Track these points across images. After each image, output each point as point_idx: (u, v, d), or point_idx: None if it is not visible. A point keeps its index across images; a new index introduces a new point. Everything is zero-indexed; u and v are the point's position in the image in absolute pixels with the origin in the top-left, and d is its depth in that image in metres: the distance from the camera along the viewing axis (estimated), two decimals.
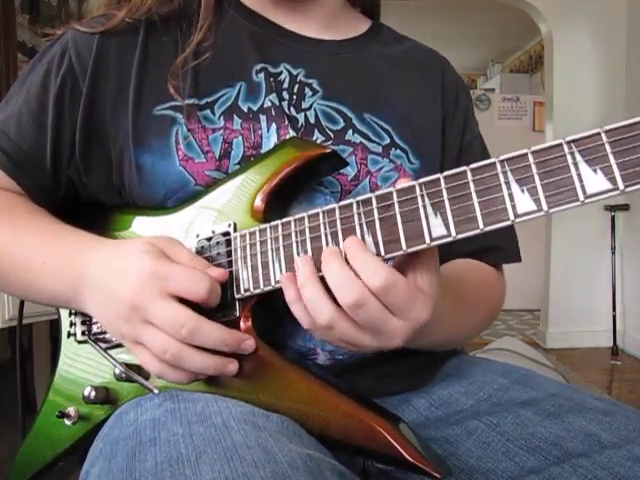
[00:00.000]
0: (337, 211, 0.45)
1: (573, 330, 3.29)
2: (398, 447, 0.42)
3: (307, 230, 0.46)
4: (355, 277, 0.41)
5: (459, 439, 0.54)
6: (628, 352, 3.15)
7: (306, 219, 0.47)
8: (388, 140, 0.61)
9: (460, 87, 0.72)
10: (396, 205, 0.43)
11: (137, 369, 0.53)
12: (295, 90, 0.60)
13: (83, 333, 0.58)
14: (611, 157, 0.37)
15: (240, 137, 0.56)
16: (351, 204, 0.45)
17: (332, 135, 0.59)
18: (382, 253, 0.43)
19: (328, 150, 0.52)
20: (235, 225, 0.51)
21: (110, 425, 0.49)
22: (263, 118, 0.57)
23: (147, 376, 0.52)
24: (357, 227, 0.44)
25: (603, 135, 0.37)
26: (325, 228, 0.45)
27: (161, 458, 0.38)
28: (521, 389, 0.57)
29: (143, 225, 0.58)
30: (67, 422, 0.57)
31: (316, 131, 0.59)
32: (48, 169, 0.59)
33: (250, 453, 0.37)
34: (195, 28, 0.59)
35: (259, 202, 0.51)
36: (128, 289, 0.45)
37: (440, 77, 0.69)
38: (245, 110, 0.58)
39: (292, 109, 0.59)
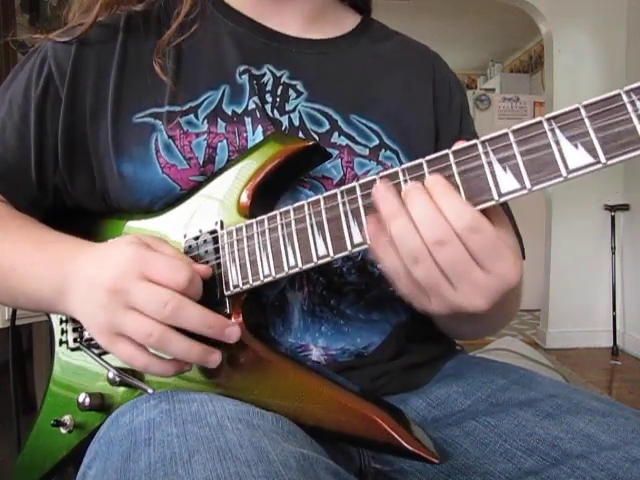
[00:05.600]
0: (322, 202, 0.45)
1: (573, 330, 3.29)
2: (395, 435, 0.42)
3: (293, 222, 0.46)
4: (441, 214, 0.39)
5: (457, 440, 0.54)
6: (628, 352, 3.15)
7: (292, 212, 0.47)
8: (377, 141, 0.60)
9: (454, 84, 0.70)
10: None
11: (131, 371, 0.52)
12: (279, 92, 0.59)
13: (75, 340, 0.58)
14: (591, 131, 0.37)
15: (225, 141, 0.56)
16: (335, 194, 0.45)
17: (317, 138, 0.58)
18: (368, 241, 0.43)
19: (311, 143, 0.52)
20: (222, 223, 0.51)
21: (106, 426, 0.49)
22: (248, 121, 0.57)
23: (141, 378, 0.52)
24: (342, 215, 0.44)
25: (582, 110, 0.37)
26: (311, 219, 0.46)
27: (154, 458, 0.38)
28: (519, 390, 0.57)
29: (130, 230, 0.58)
30: (63, 430, 0.57)
31: (300, 134, 0.58)
32: (33, 179, 0.59)
33: (243, 452, 0.36)
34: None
35: (245, 198, 0.51)
36: (108, 274, 0.45)
37: (431, 74, 0.68)
38: (229, 113, 0.57)
39: (275, 112, 0.58)
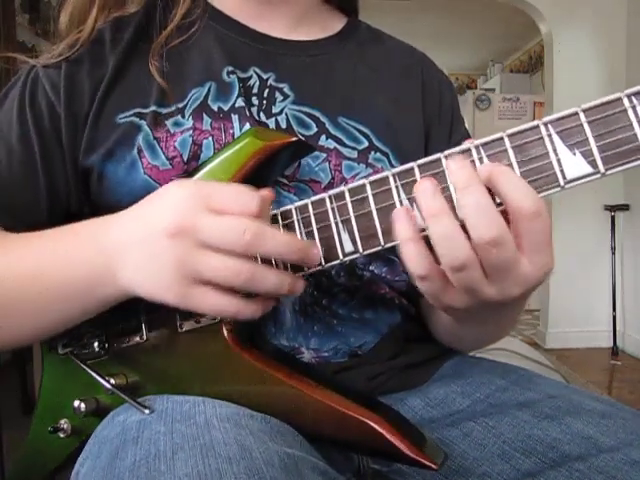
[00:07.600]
0: (310, 207, 0.45)
1: (573, 330, 3.28)
2: (394, 442, 0.42)
3: (281, 229, 0.46)
4: (496, 210, 0.37)
5: (455, 440, 0.54)
6: (628, 352, 3.14)
7: (279, 217, 0.46)
8: (367, 144, 0.59)
9: (443, 85, 0.69)
10: (370, 198, 0.42)
11: (124, 378, 0.51)
12: (265, 95, 0.58)
13: (65, 345, 0.56)
14: (591, 139, 0.36)
15: (210, 138, 0.55)
16: (324, 199, 0.44)
17: None
18: (360, 250, 0.42)
19: (292, 139, 0.50)
20: None
21: (102, 426, 0.49)
22: (235, 118, 0.56)
23: (134, 387, 0.51)
24: (332, 223, 0.43)
25: (581, 114, 0.36)
26: (300, 226, 0.45)
27: (140, 455, 0.38)
28: (518, 390, 0.56)
29: None
30: (61, 435, 0.55)
31: None
32: (44, 210, 0.55)
33: (226, 449, 0.36)
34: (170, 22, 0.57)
35: None
36: (168, 215, 0.41)
37: (420, 76, 0.67)
38: (215, 109, 0.56)
39: (262, 114, 0.57)
